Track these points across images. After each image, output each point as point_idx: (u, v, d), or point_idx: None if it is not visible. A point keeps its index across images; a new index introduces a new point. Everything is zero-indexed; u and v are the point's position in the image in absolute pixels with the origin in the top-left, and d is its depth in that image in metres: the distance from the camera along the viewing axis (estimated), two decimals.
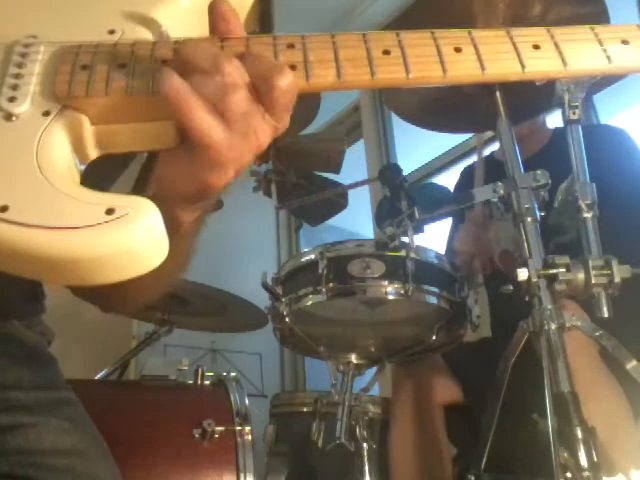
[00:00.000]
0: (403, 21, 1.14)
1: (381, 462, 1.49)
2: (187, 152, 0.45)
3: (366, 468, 1.35)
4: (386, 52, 0.48)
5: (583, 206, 0.94)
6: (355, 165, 2.92)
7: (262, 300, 1.38)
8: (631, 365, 0.90)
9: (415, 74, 0.47)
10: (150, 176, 0.61)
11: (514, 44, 0.50)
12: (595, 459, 0.82)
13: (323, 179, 1.63)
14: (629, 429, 1.10)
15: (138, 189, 0.67)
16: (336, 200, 1.61)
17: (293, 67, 0.46)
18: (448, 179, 2.72)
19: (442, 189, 1.46)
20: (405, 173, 1.28)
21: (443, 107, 1.29)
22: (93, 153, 0.48)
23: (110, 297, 0.65)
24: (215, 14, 0.48)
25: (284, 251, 3.59)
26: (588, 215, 0.94)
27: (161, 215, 0.41)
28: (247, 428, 1.18)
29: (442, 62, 0.48)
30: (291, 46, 0.48)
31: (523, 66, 0.49)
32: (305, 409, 1.58)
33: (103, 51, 0.48)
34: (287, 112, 0.45)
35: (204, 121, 0.42)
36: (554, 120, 1.64)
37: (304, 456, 1.54)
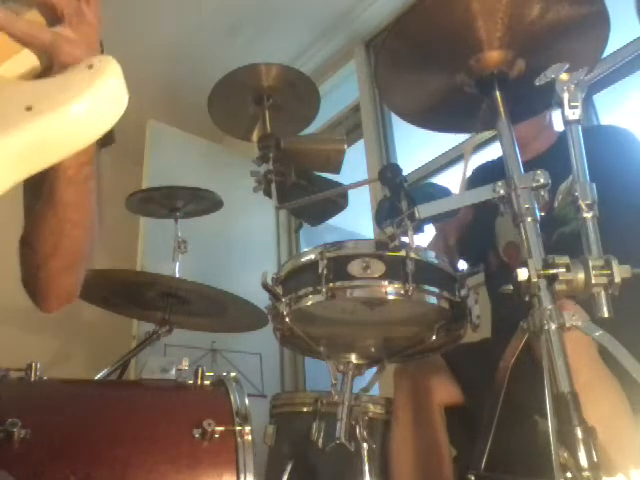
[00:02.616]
0: (403, 22, 1.14)
1: (381, 462, 1.49)
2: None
3: (366, 468, 1.34)
4: None
5: (583, 206, 0.94)
6: (355, 165, 2.92)
7: (262, 300, 1.38)
8: (631, 365, 0.90)
9: None
10: None
11: None
12: (595, 459, 0.82)
13: (323, 179, 1.63)
14: (629, 429, 1.10)
15: None
16: (336, 200, 1.61)
17: None
18: (448, 179, 2.72)
19: (442, 189, 1.46)
20: (405, 173, 1.28)
21: (443, 107, 1.28)
22: None
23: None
24: None
25: (284, 251, 3.58)
26: (588, 215, 0.94)
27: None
28: (247, 428, 1.18)
29: None
30: None
31: None
32: (305, 409, 1.58)
33: None
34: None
35: None
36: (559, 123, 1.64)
37: (304, 456, 1.54)
